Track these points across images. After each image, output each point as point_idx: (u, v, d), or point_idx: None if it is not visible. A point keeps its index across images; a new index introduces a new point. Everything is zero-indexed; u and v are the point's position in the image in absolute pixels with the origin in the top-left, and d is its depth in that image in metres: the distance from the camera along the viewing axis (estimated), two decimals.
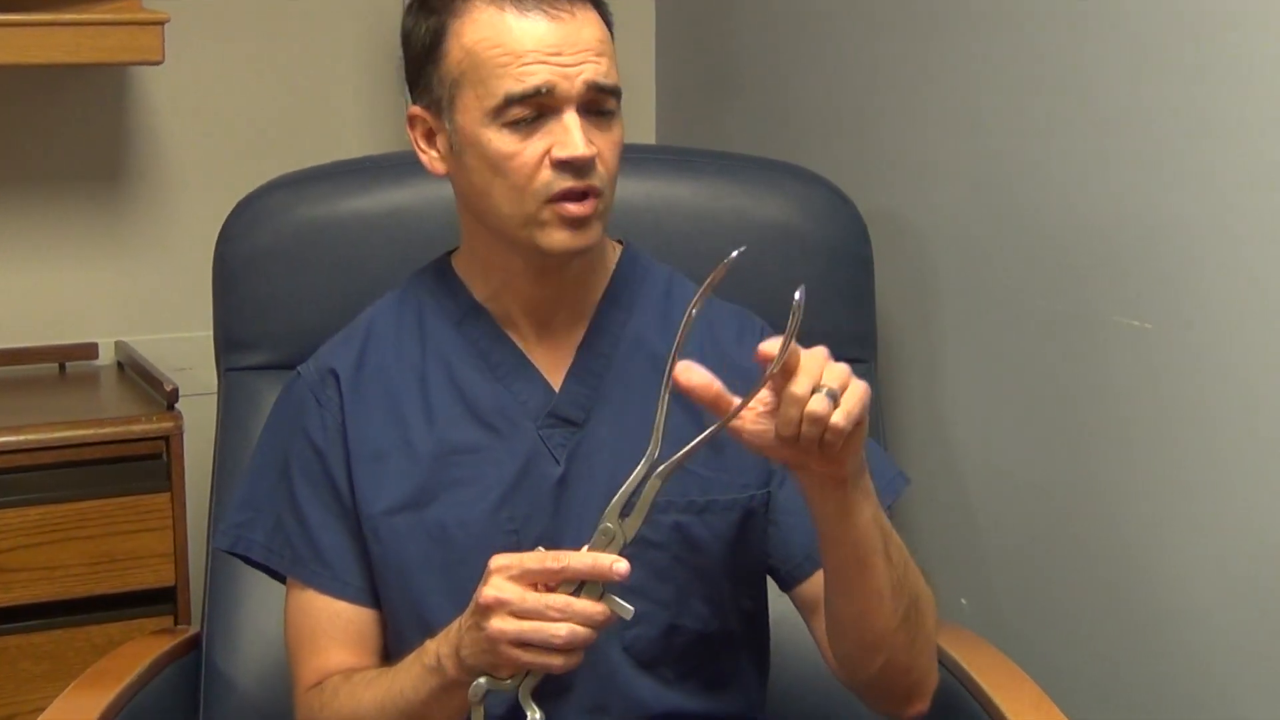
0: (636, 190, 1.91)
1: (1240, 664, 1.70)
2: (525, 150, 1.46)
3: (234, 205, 1.93)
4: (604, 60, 1.46)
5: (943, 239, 2.09)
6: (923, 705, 1.53)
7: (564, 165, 1.45)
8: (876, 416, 1.96)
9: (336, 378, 1.58)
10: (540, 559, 1.34)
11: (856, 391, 1.32)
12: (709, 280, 1.33)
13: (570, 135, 1.45)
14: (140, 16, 2.27)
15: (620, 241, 1.65)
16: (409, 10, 1.54)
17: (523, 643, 1.33)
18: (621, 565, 1.33)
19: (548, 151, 1.45)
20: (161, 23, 2.27)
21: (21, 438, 2.16)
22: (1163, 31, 1.71)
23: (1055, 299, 1.89)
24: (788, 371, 1.30)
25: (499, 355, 1.57)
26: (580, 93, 1.45)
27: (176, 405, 2.24)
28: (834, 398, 1.30)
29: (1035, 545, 1.98)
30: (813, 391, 1.30)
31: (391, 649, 1.56)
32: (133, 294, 2.59)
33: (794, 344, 1.30)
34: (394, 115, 2.65)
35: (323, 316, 1.80)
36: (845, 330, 1.94)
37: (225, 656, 1.82)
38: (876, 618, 1.46)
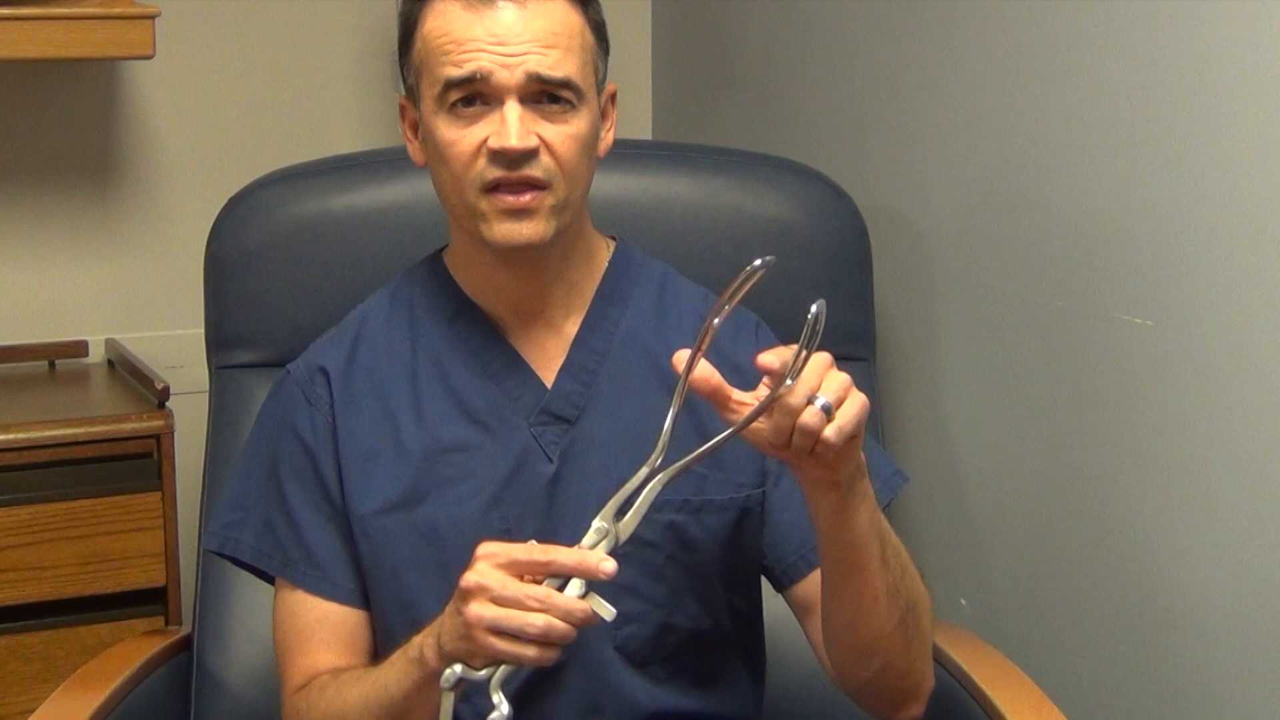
0: (632, 186, 1.91)
1: (1242, 664, 1.70)
2: (464, 138, 1.47)
3: (226, 201, 1.93)
4: (554, 52, 1.46)
5: (942, 235, 2.09)
6: (918, 709, 1.53)
7: (497, 155, 1.46)
8: (875, 415, 1.96)
9: (326, 376, 1.58)
10: (528, 550, 1.34)
11: (854, 406, 1.32)
12: (731, 289, 1.31)
13: (505, 126, 1.45)
14: (131, 11, 2.26)
15: (613, 238, 1.65)
16: None
17: (498, 630, 1.32)
18: (609, 565, 1.32)
19: (485, 141, 1.46)
20: (152, 17, 2.26)
21: (10, 436, 2.15)
22: (1164, 27, 1.71)
23: (1056, 295, 1.89)
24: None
25: (491, 352, 1.57)
26: (520, 83, 1.45)
27: (167, 403, 2.23)
28: (829, 411, 1.30)
29: (1035, 545, 1.98)
30: (809, 402, 1.30)
31: (381, 650, 1.56)
32: (123, 291, 2.58)
33: (795, 348, 1.30)
34: (386, 110, 2.65)
35: (315, 313, 1.80)
36: (843, 327, 1.94)
37: (216, 657, 1.82)
38: (872, 621, 1.46)
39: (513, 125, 1.45)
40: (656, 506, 1.46)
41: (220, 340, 1.91)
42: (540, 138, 1.46)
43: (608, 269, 1.61)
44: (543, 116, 1.47)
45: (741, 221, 1.93)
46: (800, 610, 1.57)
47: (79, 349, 2.54)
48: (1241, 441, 1.67)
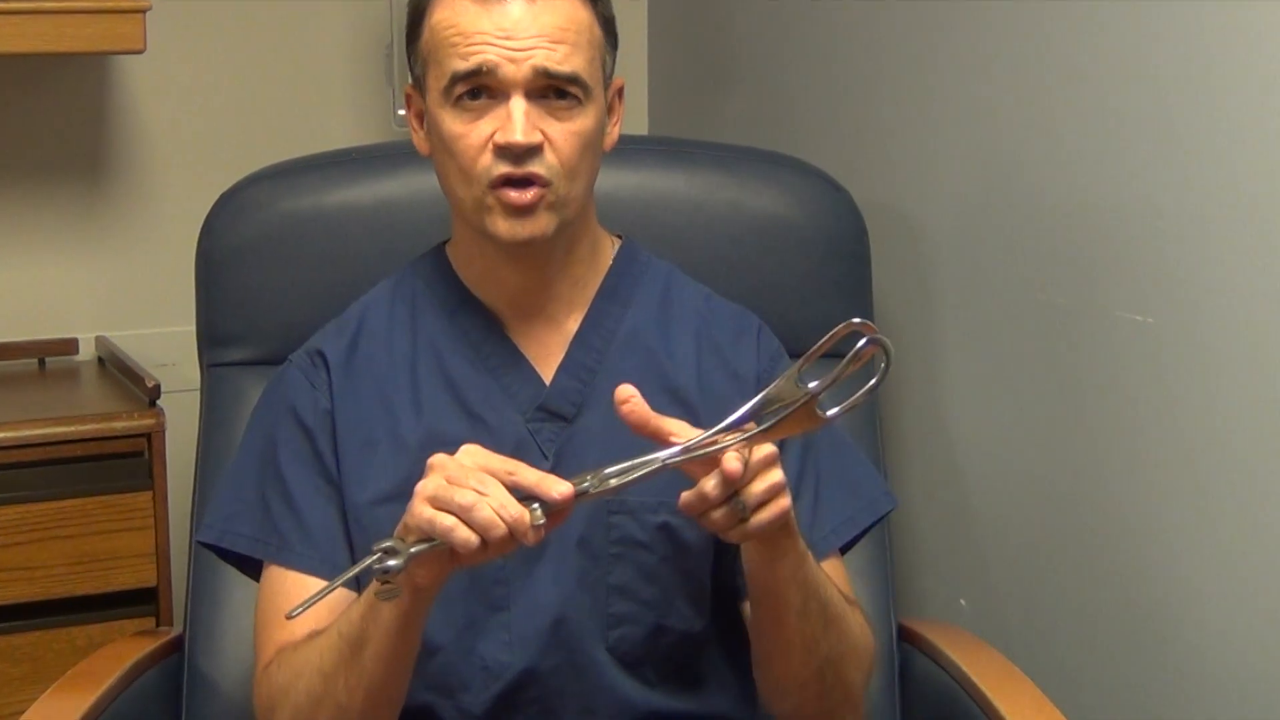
0: (628, 182, 1.91)
1: (1244, 665, 1.70)
2: (472, 132, 1.48)
3: (217, 197, 1.92)
4: (561, 48, 1.46)
5: (941, 232, 2.09)
6: None
7: (503, 150, 1.46)
8: (874, 414, 1.96)
9: (326, 363, 1.59)
10: (503, 459, 1.34)
11: (770, 512, 1.34)
12: (835, 374, 1.31)
13: (511, 121, 1.46)
14: (121, 5, 2.26)
15: (619, 236, 1.65)
16: None
17: (434, 501, 1.32)
18: (564, 487, 1.32)
19: (492, 135, 1.47)
20: (143, 11, 2.26)
21: (0, 435, 2.15)
22: (1164, 22, 1.71)
23: (1056, 293, 1.89)
24: (715, 462, 1.32)
25: (490, 346, 1.57)
26: (527, 78, 1.46)
27: (158, 402, 2.23)
28: (744, 511, 1.33)
29: (1035, 545, 1.98)
30: (730, 497, 1.32)
31: None
32: (114, 288, 2.58)
33: (737, 446, 1.32)
34: (380, 105, 2.65)
35: (308, 311, 1.79)
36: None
37: (208, 659, 1.82)
38: (785, 665, 1.51)
39: (518, 121, 1.45)
40: (651, 508, 1.47)
41: (212, 338, 1.91)
42: (544, 134, 1.47)
43: (612, 266, 1.62)
44: (548, 112, 1.47)
45: (739, 218, 1.93)
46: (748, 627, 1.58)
47: (69, 346, 2.54)
48: (1243, 440, 1.67)
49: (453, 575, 1.40)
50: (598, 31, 1.51)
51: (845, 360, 1.31)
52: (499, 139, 1.46)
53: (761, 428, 1.34)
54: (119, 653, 1.81)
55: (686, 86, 2.71)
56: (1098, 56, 1.81)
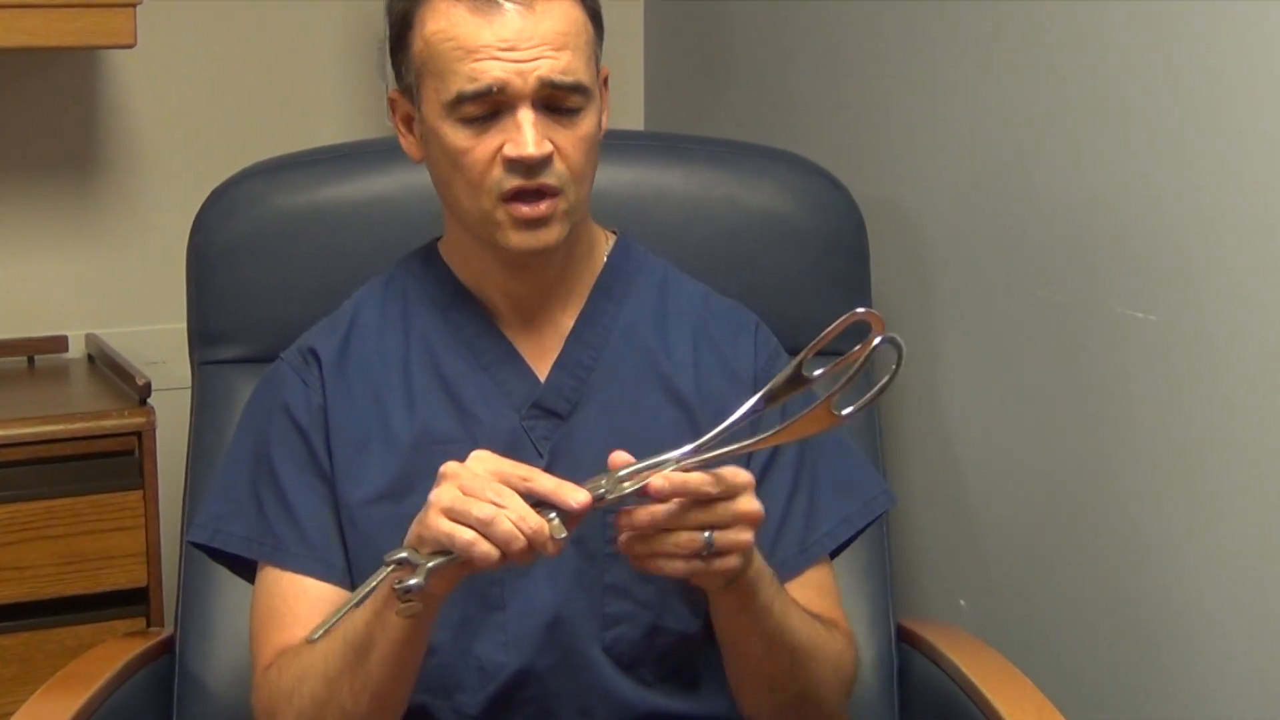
0: (624, 178, 1.90)
1: (1245, 666, 1.70)
2: (478, 147, 1.47)
3: (209, 193, 1.92)
4: (564, 54, 1.46)
5: (941, 228, 2.09)
6: None
7: (514, 164, 1.46)
8: (873, 412, 1.96)
9: (319, 360, 1.59)
10: (516, 465, 1.35)
11: (726, 564, 1.35)
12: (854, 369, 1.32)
13: (521, 134, 1.45)
14: None
15: (614, 232, 1.65)
16: None
17: (451, 513, 1.32)
18: (581, 495, 1.32)
19: (500, 149, 1.46)
20: (133, 4, 2.26)
21: None
22: (1167, 18, 1.71)
23: (1057, 290, 1.89)
24: (687, 492, 1.32)
25: (484, 343, 1.57)
26: (534, 89, 1.45)
27: (149, 400, 2.23)
28: (710, 545, 1.33)
29: (1036, 544, 1.98)
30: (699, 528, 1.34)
31: None
32: (104, 285, 2.58)
33: (708, 471, 1.33)
34: (373, 101, 2.65)
35: (300, 308, 1.79)
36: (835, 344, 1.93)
37: (199, 660, 1.82)
38: (753, 698, 1.53)
39: (529, 134, 1.45)
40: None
41: (203, 335, 1.91)
42: (553, 142, 1.47)
43: (607, 262, 1.62)
44: (554, 120, 1.47)
45: (736, 213, 1.93)
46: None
47: (58, 344, 2.54)
48: (1245, 439, 1.67)
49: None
50: (590, 29, 1.51)
51: (861, 359, 1.30)
52: (510, 153, 1.46)
53: (778, 428, 1.34)
54: (109, 654, 1.81)
55: (683, 81, 2.71)
56: (1099, 51, 1.81)
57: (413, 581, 1.32)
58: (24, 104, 2.51)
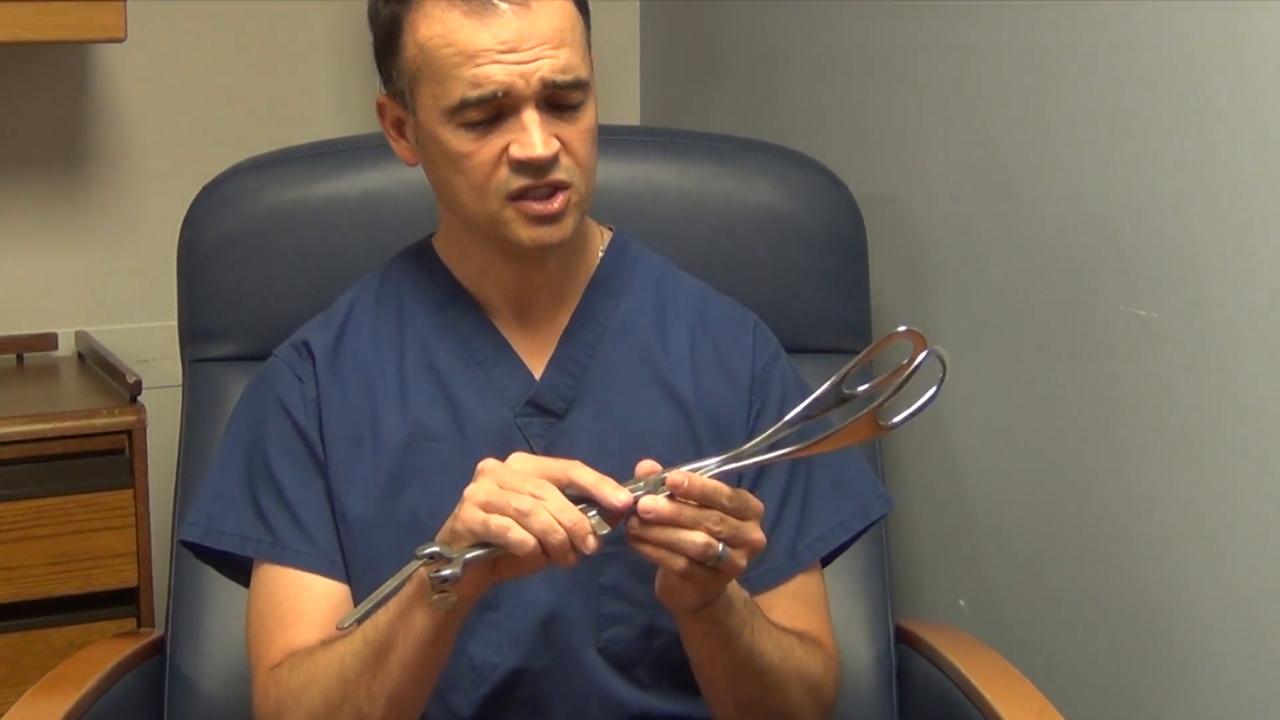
0: (620, 174, 1.90)
1: (1246, 667, 1.70)
2: (482, 149, 1.47)
3: (200, 189, 1.92)
4: (563, 52, 1.46)
5: (940, 224, 2.09)
6: None
7: (522, 166, 1.46)
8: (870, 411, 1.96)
9: (312, 356, 1.59)
10: (557, 461, 1.34)
11: (732, 568, 1.35)
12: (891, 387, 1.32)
13: (528, 135, 1.45)
14: None
15: (610, 228, 1.65)
16: None
17: (487, 506, 1.31)
18: (623, 495, 1.31)
19: (505, 149, 1.46)
20: None
21: None
22: (1168, 15, 1.71)
23: (1057, 287, 1.89)
24: (705, 496, 1.33)
25: (479, 340, 1.57)
26: (537, 90, 1.45)
27: (139, 398, 2.23)
28: (720, 557, 1.33)
29: (1036, 544, 1.98)
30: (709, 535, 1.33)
31: None
32: (94, 282, 2.58)
33: (728, 488, 1.33)
34: (366, 95, 2.62)
35: (292, 305, 1.79)
36: (838, 320, 1.94)
37: (190, 661, 1.82)
38: (718, 711, 1.53)
39: (536, 135, 1.45)
40: None
41: (194, 333, 1.91)
42: (559, 139, 1.47)
43: (602, 259, 1.62)
44: (557, 116, 1.47)
45: (733, 210, 1.93)
46: None
47: (48, 342, 2.53)
48: (1247, 438, 1.67)
49: None
50: (580, 21, 1.51)
51: (906, 374, 1.30)
52: (518, 154, 1.45)
53: (821, 436, 1.34)
54: (99, 655, 1.81)
55: (680, 76, 2.71)
56: (1099, 49, 1.81)
57: (448, 571, 1.30)
58: (13, 99, 2.51)
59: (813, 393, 1.35)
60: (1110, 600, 1.86)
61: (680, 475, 1.32)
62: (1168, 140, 1.73)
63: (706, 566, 1.33)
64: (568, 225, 1.49)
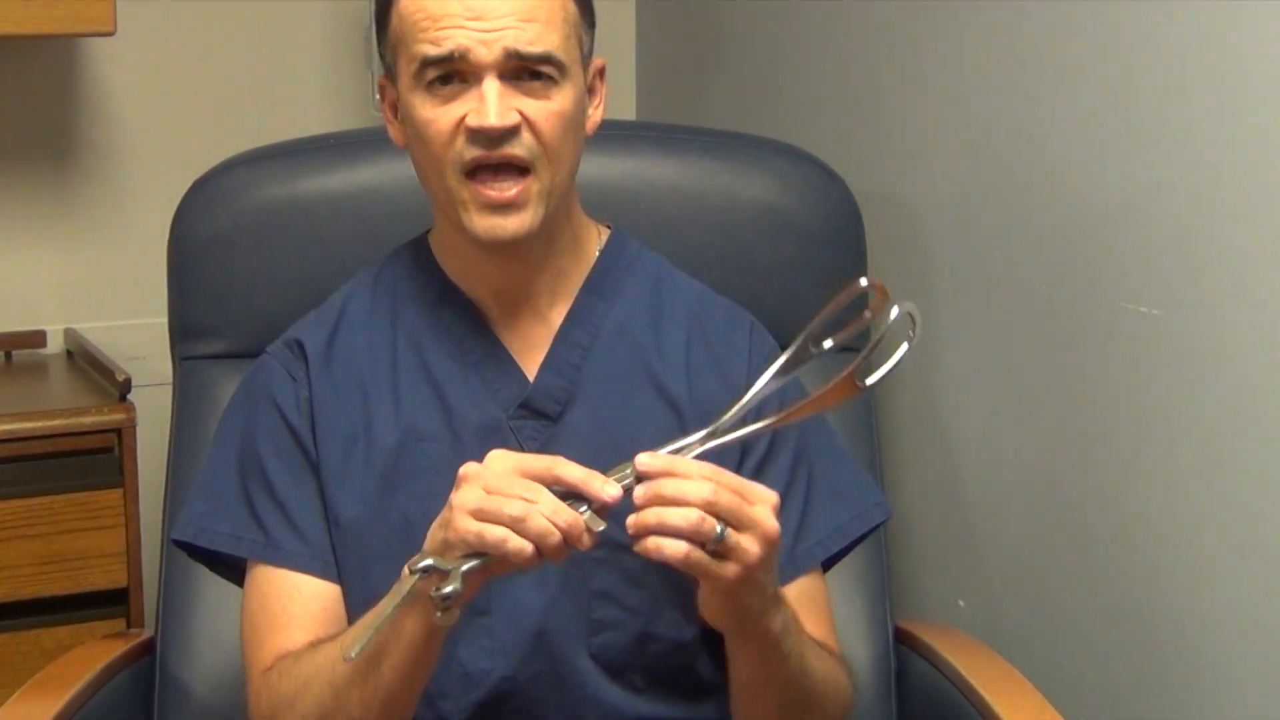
0: (616, 169, 1.90)
1: (1246, 667, 1.70)
2: (442, 118, 1.47)
3: (190, 185, 1.92)
4: (532, 26, 1.45)
5: (940, 220, 2.09)
6: None
7: (476, 134, 1.45)
8: (870, 411, 1.96)
9: (305, 355, 1.58)
10: (537, 458, 1.33)
11: (743, 554, 1.33)
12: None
13: (484, 103, 1.45)
14: None
15: (608, 226, 1.64)
16: None
17: (480, 514, 1.30)
18: (614, 489, 1.31)
19: (463, 119, 1.46)
20: None
21: None
22: (1172, 9, 1.71)
23: (1058, 284, 1.89)
24: (666, 470, 1.32)
25: (472, 341, 1.57)
26: (499, 59, 1.45)
27: (129, 396, 2.22)
28: (718, 541, 1.32)
29: (1036, 544, 1.98)
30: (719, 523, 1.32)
31: None
32: (83, 278, 2.57)
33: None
34: (358, 90, 2.64)
35: (284, 302, 1.79)
36: (836, 316, 1.93)
37: (180, 662, 1.81)
38: (746, 706, 1.52)
39: (491, 103, 1.45)
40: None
41: (184, 330, 1.91)
42: (522, 114, 1.46)
43: (599, 259, 1.61)
44: (524, 93, 1.47)
45: (730, 205, 1.93)
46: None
47: (37, 339, 2.53)
48: (1249, 437, 1.67)
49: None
50: (572, 9, 1.50)
51: (880, 332, 1.30)
52: (471, 122, 1.45)
53: (802, 400, 1.34)
54: (88, 656, 1.81)
55: (676, 70, 2.71)
56: (1099, 42, 1.81)
57: (449, 589, 1.30)
58: (2, 93, 2.51)
59: (782, 356, 1.36)
60: (1111, 600, 1.86)
61: (647, 455, 1.32)
62: (1169, 136, 1.73)
63: (708, 551, 1.32)
64: (528, 218, 1.48)
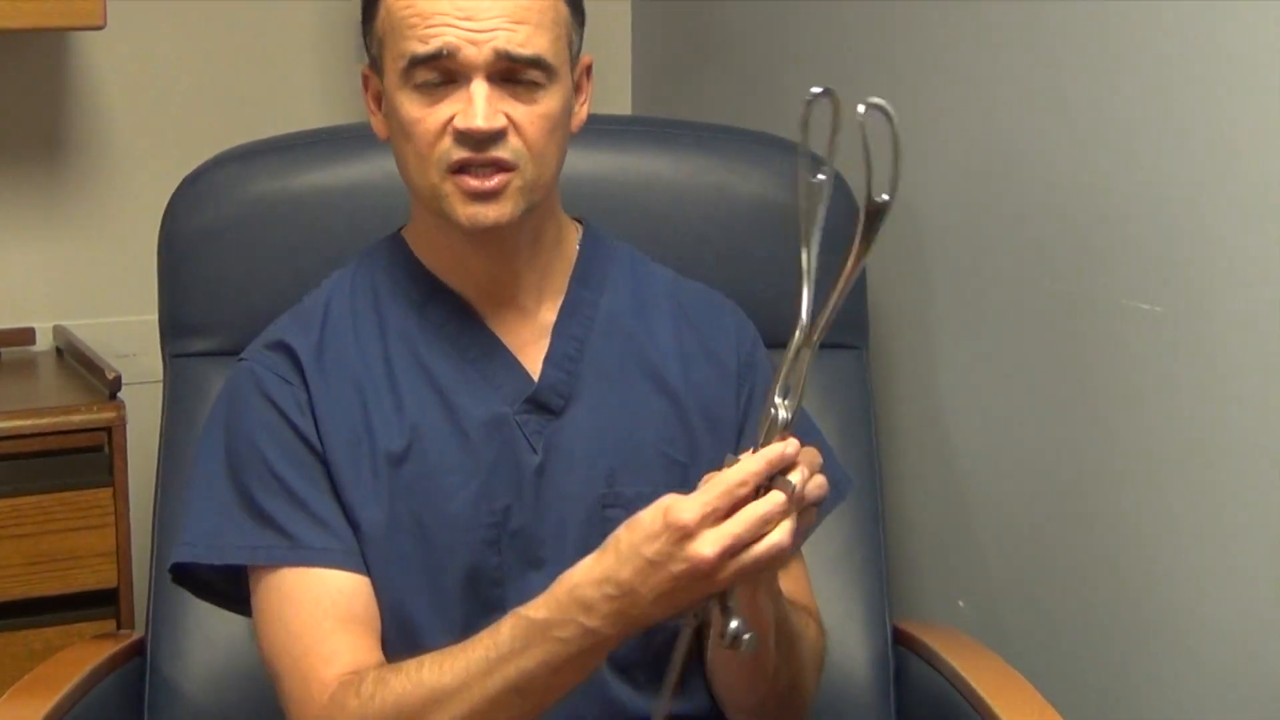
0: (612, 164, 1.90)
1: (1246, 668, 1.70)
2: (429, 117, 1.47)
3: (181, 180, 1.92)
4: (523, 28, 1.46)
5: (939, 217, 2.08)
6: None
7: (463, 136, 1.46)
8: (868, 408, 1.96)
9: (296, 358, 1.56)
10: (724, 489, 1.31)
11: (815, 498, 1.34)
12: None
13: (471, 105, 1.45)
14: None
15: (579, 220, 1.65)
16: None
17: (730, 550, 1.30)
18: (793, 445, 1.31)
19: (451, 120, 1.46)
20: None
21: None
22: (1171, 8, 1.71)
23: (1059, 281, 1.89)
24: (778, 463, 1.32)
25: (468, 338, 1.57)
26: (489, 60, 1.45)
27: (119, 394, 2.22)
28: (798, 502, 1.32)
29: (1036, 543, 1.98)
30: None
31: None
32: (72, 275, 2.57)
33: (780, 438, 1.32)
34: (349, 85, 2.63)
35: (276, 299, 1.78)
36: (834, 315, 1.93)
37: (171, 663, 1.81)
38: (744, 689, 1.54)
39: (480, 106, 1.45)
40: (646, 499, 1.45)
41: (175, 327, 1.91)
42: (509, 117, 1.47)
43: (580, 252, 1.62)
44: (511, 95, 1.47)
45: (726, 201, 1.93)
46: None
47: (25, 336, 2.53)
48: (1251, 434, 1.67)
49: (455, 579, 1.45)
50: (563, 9, 1.51)
51: (832, 133, 1.33)
52: (459, 124, 1.45)
53: (842, 268, 1.37)
54: (78, 657, 1.81)
55: (671, 65, 2.71)
56: (1101, 40, 1.81)
57: (736, 623, 1.33)
58: None
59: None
60: (1111, 601, 1.86)
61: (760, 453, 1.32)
62: (1170, 133, 1.73)
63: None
64: (507, 207, 1.48)
